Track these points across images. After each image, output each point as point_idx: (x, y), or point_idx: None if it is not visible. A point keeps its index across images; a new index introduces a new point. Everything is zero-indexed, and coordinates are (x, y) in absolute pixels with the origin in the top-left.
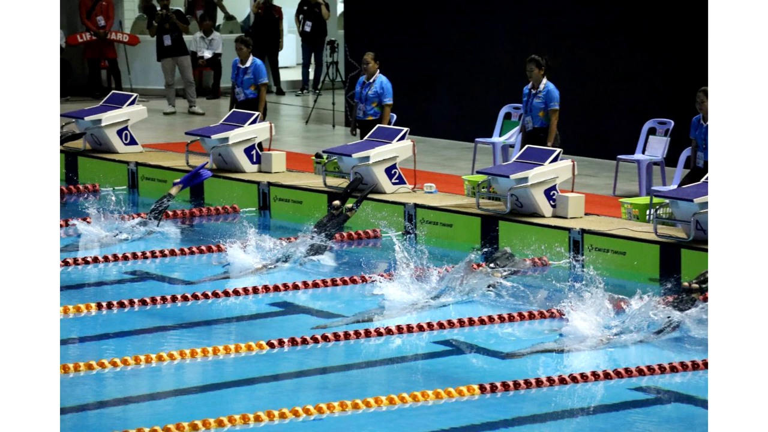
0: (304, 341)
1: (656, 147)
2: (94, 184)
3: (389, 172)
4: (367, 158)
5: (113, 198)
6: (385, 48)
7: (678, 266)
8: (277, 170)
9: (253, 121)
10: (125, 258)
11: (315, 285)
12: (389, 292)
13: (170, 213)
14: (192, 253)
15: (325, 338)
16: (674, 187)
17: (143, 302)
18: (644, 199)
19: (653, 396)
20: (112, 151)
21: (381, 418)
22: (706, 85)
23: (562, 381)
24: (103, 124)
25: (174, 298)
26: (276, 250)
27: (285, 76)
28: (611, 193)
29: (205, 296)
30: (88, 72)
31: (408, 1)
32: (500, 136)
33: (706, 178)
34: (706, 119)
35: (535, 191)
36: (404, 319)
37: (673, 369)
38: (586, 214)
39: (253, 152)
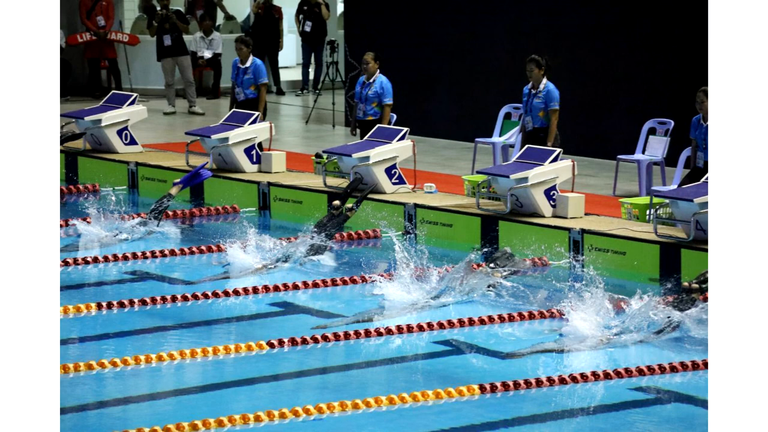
0: (304, 341)
1: (656, 147)
2: (94, 184)
3: (389, 172)
4: (367, 158)
5: (113, 198)
6: (385, 48)
7: (678, 266)
8: (277, 170)
9: (253, 121)
10: (125, 258)
11: (315, 285)
12: (389, 292)
13: (170, 213)
14: (192, 253)
15: (325, 338)
16: (674, 187)
17: (143, 302)
18: (644, 199)
19: (653, 396)
20: (112, 151)
21: (381, 418)
22: (706, 85)
23: (562, 381)
24: (103, 124)
25: (174, 298)
26: (276, 250)
27: (285, 76)
28: (611, 193)
29: (205, 296)
30: (88, 72)
31: (408, 1)
32: (500, 136)
33: (706, 178)
34: (706, 119)
35: (535, 191)
36: (404, 319)
37: (673, 369)
38: (586, 214)
39: (253, 152)
